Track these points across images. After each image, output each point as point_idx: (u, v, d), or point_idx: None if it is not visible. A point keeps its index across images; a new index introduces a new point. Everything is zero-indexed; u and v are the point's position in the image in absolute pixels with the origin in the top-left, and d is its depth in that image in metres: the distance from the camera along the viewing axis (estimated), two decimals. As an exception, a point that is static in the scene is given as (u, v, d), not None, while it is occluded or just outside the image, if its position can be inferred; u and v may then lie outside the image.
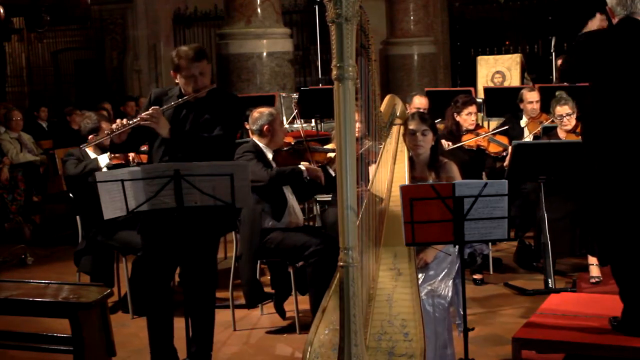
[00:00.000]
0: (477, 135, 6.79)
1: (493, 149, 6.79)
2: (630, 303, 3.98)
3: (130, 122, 4.25)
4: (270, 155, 5.40)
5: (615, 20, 4.02)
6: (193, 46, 4.43)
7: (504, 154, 6.72)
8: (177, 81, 4.45)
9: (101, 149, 6.13)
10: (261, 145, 5.39)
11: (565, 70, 4.26)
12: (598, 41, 4.01)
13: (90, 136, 5.89)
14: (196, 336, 4.55)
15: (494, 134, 6.97)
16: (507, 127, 7.14)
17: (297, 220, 5.42)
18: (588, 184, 4.11)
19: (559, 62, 6.25)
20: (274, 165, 5.38)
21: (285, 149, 5.58)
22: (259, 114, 5.43)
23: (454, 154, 6.44)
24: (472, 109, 6.84)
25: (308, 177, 5.29)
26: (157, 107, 4.30)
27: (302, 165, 5.34)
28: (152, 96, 4.54)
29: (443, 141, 6.57)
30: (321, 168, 5.42)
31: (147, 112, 4.27)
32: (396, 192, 4.09)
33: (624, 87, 3.91)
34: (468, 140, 6.75)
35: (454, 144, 6.65)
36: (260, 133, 5.40)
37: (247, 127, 7.41)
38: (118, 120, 4.30)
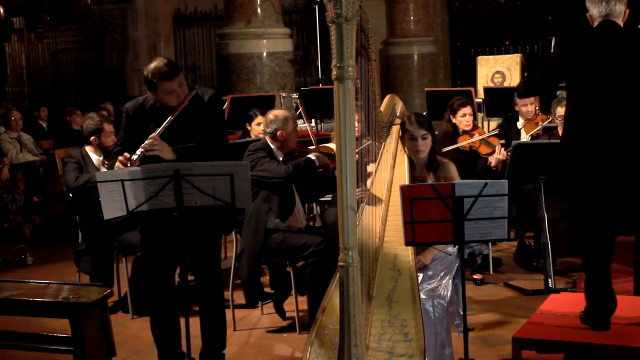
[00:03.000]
0: (472, 136, 6.86)
1: (483, 150, 6.85)
2: (593, 297, 4.02)
3: (135, 157, 4.22)
4: (280, 158, 5.39)
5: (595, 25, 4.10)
6: (164, 62, 4.34)
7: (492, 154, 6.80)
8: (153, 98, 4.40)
9: (102, 149, 6.12)
10: (272, 147, 5.38)
11: (532, 80, 4.34)
12: (576, 47, 4.09)
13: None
14: (208, 336, 4.56)
15: (487, 137, 7.02)
16: (497, 130, 7.26)
17: (299, 224, 5.42)
18: (568, 185, 4.15)
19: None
20: (282, 166, 5.38)
21: (295, 152, 5.54)
22: (274, 117, 5.39)
23: (449, 154, 6.49)
24: (467, 110, 6.89)
25: (319, 166, 5.29)
26: (154, 135, 4.26)
27: (312, 155, 5.32)
28: (129, 112, 4.47)
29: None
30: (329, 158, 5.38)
31: (147, 142, 4.23)
32: (396, 192, 4.10)
33: (603, 91, 3.97)
34: (463, 143, 6.78)
35: (449, 145, 6.67)
36: (273, 137, 5.38)
37: (249, 127, 7.45)
38: (120, 158, 4.23)
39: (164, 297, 4.50)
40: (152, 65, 4.35)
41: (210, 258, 4.54)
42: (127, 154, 4.24)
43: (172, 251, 4.41)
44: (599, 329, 3.97)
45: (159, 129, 4.28)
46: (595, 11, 4.04)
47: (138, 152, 4.24)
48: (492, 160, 6.56)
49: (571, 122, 4.10)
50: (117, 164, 4.24)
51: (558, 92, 7.31)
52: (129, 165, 4.19)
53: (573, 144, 4.05)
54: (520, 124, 7.30)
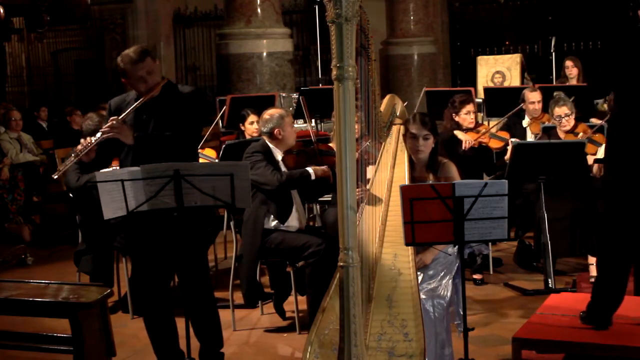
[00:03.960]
0: (478, 132, 6.83)
1: (494, 144, 6.83)
2: (602, 296, 4.01)
3: (94, 139, 4.24)
4: (279, 157, 5.40)
5: None
6: (134, 48, 4.39)
7: (506, 148, 6.76)
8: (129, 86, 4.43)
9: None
10: (271, 146, 5.39)
11: (596, 84, 4.32)
12: (623, 47, 4.10)
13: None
14: (203, 336, 4.56)
15: (496, 131, 7.00)
16: (505, 119, 7.20)
17: (299, 225, 5.42)
18: (603, 184, 4.15)
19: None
20: (282, 166, 5.39)
21: (294, 151, 5.56)
22: (270, 116, 5.42)
23: (456, 151, 6.50)
24: (470, 107, 6.89)
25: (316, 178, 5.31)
26: (115, 117, 4.26)
27: (310, 169, 5.34)
28: (111, 106, 4.50)
29: (460, 134, 6.60)
30: (330, 169, 5.40)
31: (107, 125, 4.23)
32: (396, 192, 4.10)
33: None
34: (473, 140, 6.77)
35: (454, 146, 6.65)
36: (271, 135, 5.39)
37: (242, 127, 7.45)
38: (82, 140, 4.30)
39: (156, 300, 4.49)
40: (125, 51, 4.39)
41: (197, 259, 4.52)
42: (90, 138, 4.27)
43: (163, 254, 4.41)
44: (599, 326, 3.97)
45: (123, 114, 4.29)
46: None
47: (98, 134, 4.25)
48: (508, 155, 6.52)
49: (615, 121, 4.11)
50: (78, 147, 4.27)
51: (555, 93, 7.34)
52: (86, 146, 4.23)
53: (616, 141, 4.05)
54: (525, 122, 7.29)
